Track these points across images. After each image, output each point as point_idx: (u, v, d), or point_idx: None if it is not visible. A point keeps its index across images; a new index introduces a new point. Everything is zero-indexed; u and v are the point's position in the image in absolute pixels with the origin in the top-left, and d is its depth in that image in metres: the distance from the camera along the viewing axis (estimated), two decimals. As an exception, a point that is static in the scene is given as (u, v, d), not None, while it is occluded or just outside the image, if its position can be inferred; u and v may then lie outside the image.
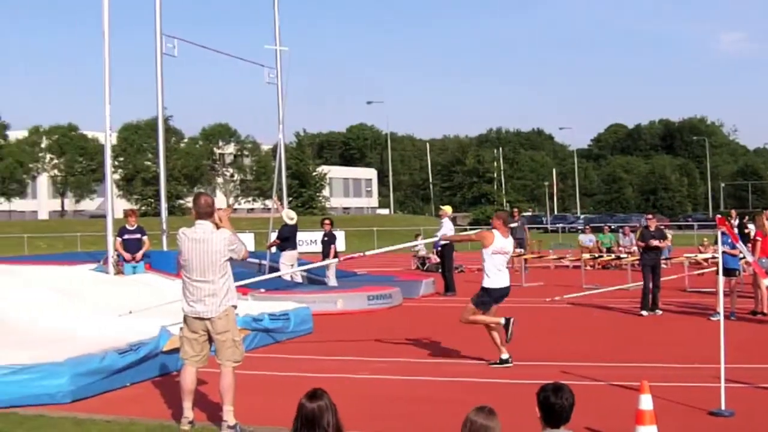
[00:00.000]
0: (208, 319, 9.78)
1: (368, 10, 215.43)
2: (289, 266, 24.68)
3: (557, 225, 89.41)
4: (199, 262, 9.78)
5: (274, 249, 26.00)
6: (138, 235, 22.04)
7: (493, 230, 14.06)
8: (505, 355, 13.83)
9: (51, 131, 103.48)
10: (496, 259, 13.99)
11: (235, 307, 10.04)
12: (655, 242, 20.77)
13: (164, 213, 24.46)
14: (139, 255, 21.84)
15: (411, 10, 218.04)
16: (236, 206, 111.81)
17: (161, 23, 23.78)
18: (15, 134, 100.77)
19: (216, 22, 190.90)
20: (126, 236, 21.92)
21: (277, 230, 25.70)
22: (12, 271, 18.86)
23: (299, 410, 5.76)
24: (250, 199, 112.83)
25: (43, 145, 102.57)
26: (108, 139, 21.97)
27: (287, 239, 25.05)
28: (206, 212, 10.04)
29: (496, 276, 14.00)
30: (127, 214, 23.44)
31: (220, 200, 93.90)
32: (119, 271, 21.20)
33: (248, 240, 51.87)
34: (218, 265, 9.79)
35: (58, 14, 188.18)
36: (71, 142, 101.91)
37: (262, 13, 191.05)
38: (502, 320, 13.87)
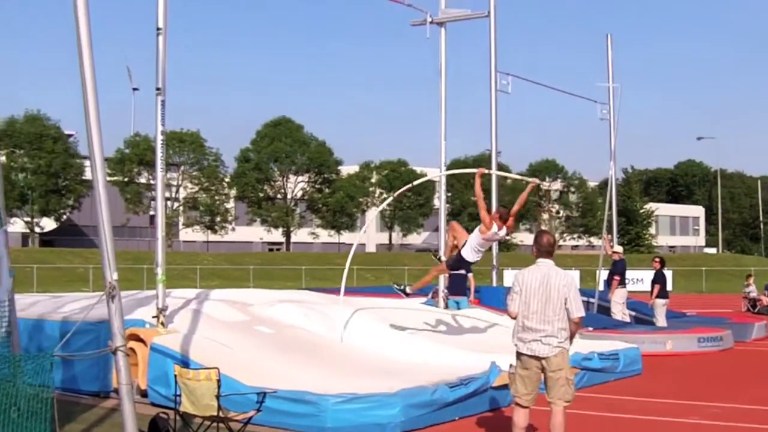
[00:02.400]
0: (544, 357, 9.73)
1: (699, 47, 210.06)
2: (620, 305, 24.33)
3: None
4: (539, 302, 9.76)
5: (601, 287, 25.75)
6: (463, 271, 22.19)
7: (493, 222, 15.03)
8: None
9: (381, 166, 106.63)
10: (483, 244, 15.37)
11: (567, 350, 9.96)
12: None
13: (495, 249, 24.64)
14: (471, 297, 21.99)
15: (745, 43, 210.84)
16: (561, 243, 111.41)
17: (497, 61, 24.09)
18: (347, 169, 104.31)
19: (545, 58, 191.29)
20: (452, 271, 22.15)
21: (606, 269, 25.43)
22: (346, 301, 19.47)
23: None
24: (575, 236, 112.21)
25: (373, 180, 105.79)
26: (443, 174, 22.30)
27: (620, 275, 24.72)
28: (548, 251, 10.06)
29: (475, 254, 15.53)
30: (454, 249, 23.58)
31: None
32: (445, 306, 21.49)
33: (573, 277, 51.55)
34: (559, 305, 9.74)
35: (390, 53, 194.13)
36: (400, 177, 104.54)
37: (592, 49, 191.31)
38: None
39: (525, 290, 9.87)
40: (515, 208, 15.50)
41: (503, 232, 15.14)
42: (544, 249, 10.08)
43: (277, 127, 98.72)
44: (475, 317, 19.88)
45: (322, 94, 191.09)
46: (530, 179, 16.84)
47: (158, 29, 14.17)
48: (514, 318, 10.03)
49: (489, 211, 15.47)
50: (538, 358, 9.77)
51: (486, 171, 16.60)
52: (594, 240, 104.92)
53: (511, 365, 10.26)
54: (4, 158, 78.07)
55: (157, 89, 14.11)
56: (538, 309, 9.75)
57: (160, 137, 14.22)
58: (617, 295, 24.59)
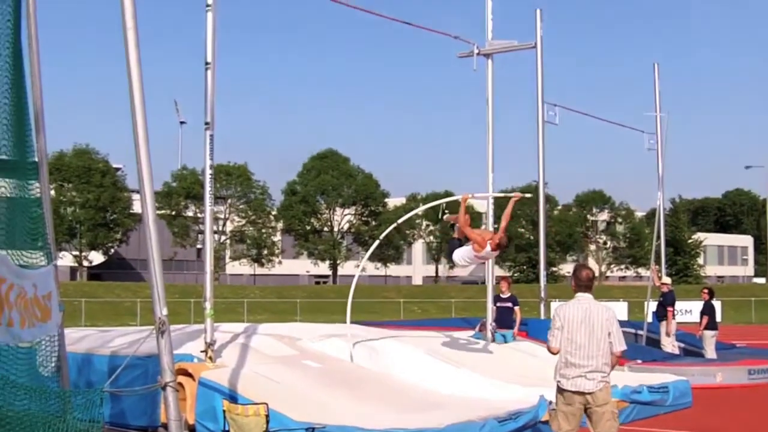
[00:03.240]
0: (590, 393, 9.65)
1: (746, 74, 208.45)
2: (669, 336, 24.11)
3: None
4: (583, 337, 9.69)
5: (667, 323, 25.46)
6: (509, 304, 21.98)
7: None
8: None
9: (427, 198, 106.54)
10: (474, 260, 16.13)
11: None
12: None
13: (543, 281, 24.50)
14: (515, 330, 21.78)
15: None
16: (608, 274, 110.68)
17: (543, 91, 24.08)
18: (394, 201, 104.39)
19: (592, 88, 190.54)
20: (499, 304, 21.99)
21: (654, 300, 25.21)
22: (394, 334, 19.46)
23: None
24: (622, 266, 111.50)
25: (419, 212, 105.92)
26: (490, 205, 22.24)
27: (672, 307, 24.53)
28: (587, 285, 9.98)
29: (463, 262, 16.37)
30: (500, 281, 23.39)
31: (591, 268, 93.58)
32: (492, 339, 21.36)
33: (621, 309, 51.27)
34: (603, 339, 9.67)
35: (437, 85, 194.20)
36: (447, 209, 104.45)
37: (639, 78, 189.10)
38: None
39: (568, 325, 9.80)
40: (503, 224, 16.13)
41: (496, 253, 15.79)
42: (583, 283, 10.00)
43: (323, 159, 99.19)
44: (522, 350, 19.77)
45: (369, 127, 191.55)
46: (513, 194, 17.54)
47: (207, 64, 14.26)
48: (555, 353, 9.95)
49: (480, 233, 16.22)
50: (582, 394, 9.68)
51: (470, 196, 17.64)
52: (642, 271, 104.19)
53: (551, 402, 10.17)
54: (53, 192, 78.93)
55: (206, 124, 14.17)
56: (583, 344, 9.67)
57: (208, 171, 14.27)
58: (670, 326, 24.36)
